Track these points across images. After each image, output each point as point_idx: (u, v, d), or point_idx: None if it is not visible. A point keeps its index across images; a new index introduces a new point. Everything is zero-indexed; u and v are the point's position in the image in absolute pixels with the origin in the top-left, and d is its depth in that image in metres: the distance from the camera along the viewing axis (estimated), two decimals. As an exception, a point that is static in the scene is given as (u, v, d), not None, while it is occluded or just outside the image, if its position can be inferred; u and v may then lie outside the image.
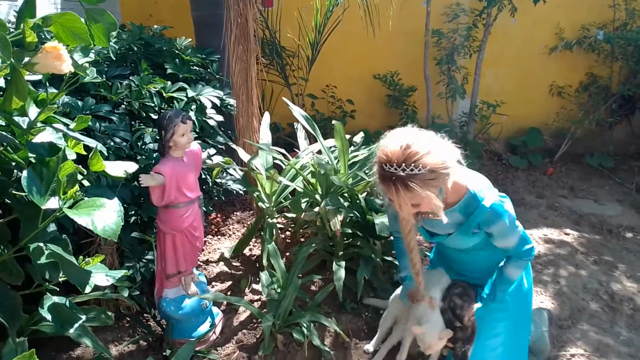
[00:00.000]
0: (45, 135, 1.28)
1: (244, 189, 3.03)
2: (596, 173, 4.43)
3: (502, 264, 1.99)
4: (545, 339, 2.29)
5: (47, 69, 1.11)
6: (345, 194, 2.71)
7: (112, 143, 2.22)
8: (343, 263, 2.47)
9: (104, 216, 1.13)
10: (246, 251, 3.06)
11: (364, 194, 2.80)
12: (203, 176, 2.81)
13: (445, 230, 1.92)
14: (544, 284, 2.83)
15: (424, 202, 1.64)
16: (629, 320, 2.59)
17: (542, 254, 3.10)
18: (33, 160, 1.23)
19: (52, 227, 1.31)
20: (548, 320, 2.34)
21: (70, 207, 1.15)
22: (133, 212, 2.39)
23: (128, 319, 2.43)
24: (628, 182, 4.17)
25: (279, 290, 2.40)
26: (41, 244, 1.17)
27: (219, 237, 3.26)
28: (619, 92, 4.44)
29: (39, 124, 1.36)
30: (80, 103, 2.20)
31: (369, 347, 2.27)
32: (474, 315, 1.98)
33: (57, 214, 1.16)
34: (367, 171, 2.78)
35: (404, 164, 1.56)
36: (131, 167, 1.36)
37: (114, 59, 2.50)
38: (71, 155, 1.40)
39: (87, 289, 1.29)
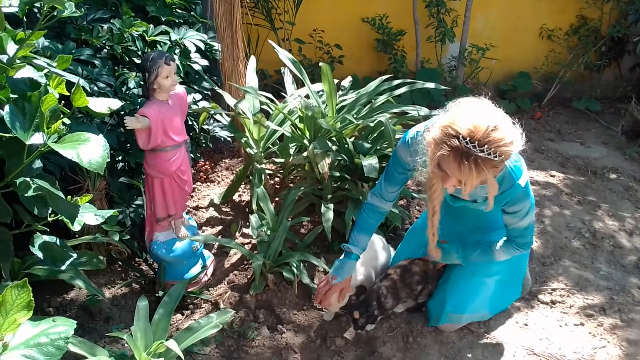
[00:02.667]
0: (26, 72, 1.26)
1: (232, 136, 3.02)
2: (583, 116, 4.45)
3: (495, 249, 2.00)
4: (527, 274, 2.36)
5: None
6: (333, 138, 2.71)
7: (95, 88, 2.18)
8: (331, 205, 2.49)
9: (89, 150, 1.13)
10: (235, 197, 3.08)
11: (352, 138, 2.80)
12: (190, 122, 2.79)
13: (472, 197, 1.88)
14: (528, 223, 2.89)
15: (475, 183, 1.56)
16: (609, 257, 2.67)
17: (527, 195, 3.16)
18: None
19: (38, 164, 1.31)
20: (529, 256, 2.40)
21: (55, 142, 1.14)
22: (120, 158, 2.38)
23: (120, 263, 2.47)
24: (614, 125, 4.20)
25: (268, 232, 2.43)
26: (27, 179, 1.17)
27: (208, 184, 3.27)
28: (608, 35, 4.41)
29: (19, 62, 1.33)
30: (60, 47, 2.15)
31: None
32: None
33: (42, 148, 1.16)
34: (355, 115, 2.77)
35: (485, 146, 1.47)
36: (115, 103, 1.34)
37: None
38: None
39: (77, 227, 1.30)
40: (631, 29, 4.38)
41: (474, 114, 1.51)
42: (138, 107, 2.24)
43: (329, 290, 2.05)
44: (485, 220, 2.06)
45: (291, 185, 3.04)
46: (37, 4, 1.56)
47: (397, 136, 2.59)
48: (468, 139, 1.47)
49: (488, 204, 1.71)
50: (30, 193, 1.14)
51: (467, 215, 2.05)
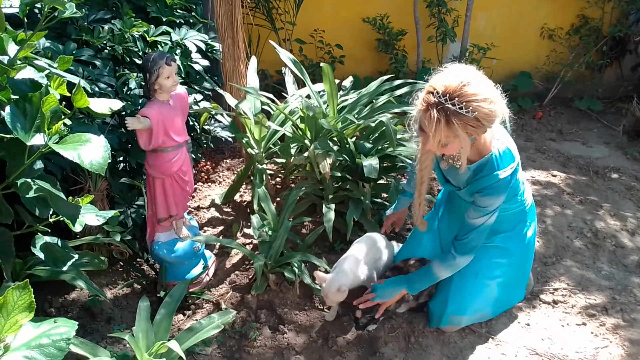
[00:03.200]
0: (27, 72, 1.26)
1: (233, 136, 3.02)
2: (585, 116, 4.44)
3: (433, 263, 2.00)
4: (529, 274, 2.36)
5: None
6: (335, 138, 2.71)
7: (96, 89, 2.18)
8: (333, 206, 2.49)
9: (90, 151, 1.13)
10: (237, 197, 3.08)
11: (353, 138, 2.80)
12: (191, 123, 2.79)
13: (457, 183, 1.93)
14: (530, 223, 2.88)
15: (453, 145, 1.63)
16: (611, 256, 2.67)
17: (529, 195, 3.15)
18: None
19: (39, 165, 1.31)
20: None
21: (56, 143, 1.14)
22: (121, 159, 2.38)
23: (121, 263, 2.47)
24: (615, 125, 4.19)
25: (269, 232, 2.43)
26: (29, 180, 1.17)
27: (209, 184, 3.27)
28: (610, 34, 4.40)
29: (19, 63, 1.33)
30: (61, 47, 2.15)
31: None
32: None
33: (43, 149, 1.16)
34: (356, 115, 2.77)
35: (456, 99, 1.54)
36: (116, 104, 1.34)
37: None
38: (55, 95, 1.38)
39: (78, 227, 1.30)
40: (632, 29, 4.37)
41: (452, 73, 1.60)
42: (139, 107, 2.24)
43: (385, 222, 2.38)
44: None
45: (292, 185, 3.04)
46: (38, 5, 1.56)
47: (398, 136, 2.59)
48: (441, 92, 1.56)
49: (461, 165, 1.76)
50: (31, 194, 1.14)
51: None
